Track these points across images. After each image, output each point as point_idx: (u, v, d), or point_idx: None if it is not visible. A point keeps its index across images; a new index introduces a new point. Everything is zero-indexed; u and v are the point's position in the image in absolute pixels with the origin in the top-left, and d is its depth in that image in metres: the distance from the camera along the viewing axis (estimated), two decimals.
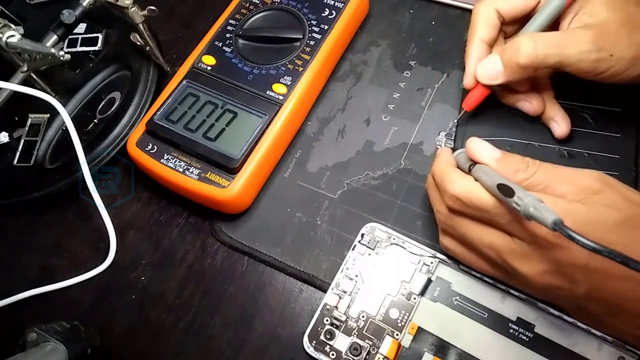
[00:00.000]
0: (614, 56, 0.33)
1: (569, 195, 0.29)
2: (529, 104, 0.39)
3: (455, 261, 0.36)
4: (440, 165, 0.33)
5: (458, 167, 0.33)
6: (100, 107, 0.47)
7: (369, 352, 0.35)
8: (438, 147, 0.41)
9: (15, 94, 0.43)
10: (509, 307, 0.35)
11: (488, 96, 0.39)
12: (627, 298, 0.28)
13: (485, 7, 0.38)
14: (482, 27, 0.38)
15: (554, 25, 0.36)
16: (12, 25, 0.42)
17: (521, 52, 0.34)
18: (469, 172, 0.32)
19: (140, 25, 0.45)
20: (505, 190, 0.27)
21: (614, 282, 0.27)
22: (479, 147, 0.32)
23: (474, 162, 0.32)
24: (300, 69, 0.43)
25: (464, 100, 0.40)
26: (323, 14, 0.45)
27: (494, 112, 0.40)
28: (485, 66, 0.37)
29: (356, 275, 0.37)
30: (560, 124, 0.39)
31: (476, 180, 0.31)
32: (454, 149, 0.35)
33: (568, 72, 0.34)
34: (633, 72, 0.34)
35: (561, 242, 0.27)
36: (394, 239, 0.38)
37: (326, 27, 0.44)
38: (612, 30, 0.33)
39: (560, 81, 0.39)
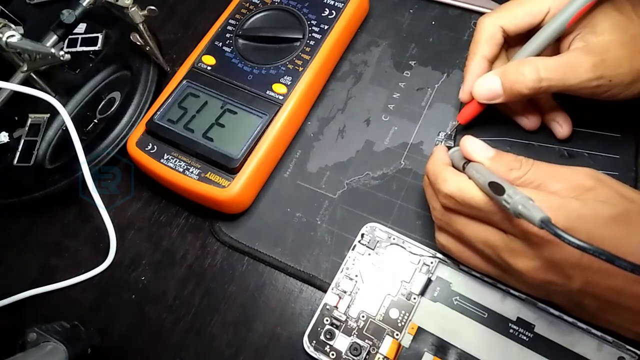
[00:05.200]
0: (612, 82, 0.33)
1: (562, 192, 0.29)
2: (526, 120, 0.40)
3: (455, 261, 0.36)
4: (434, 163, 0.33)
5: (453, 165, 0.34)
6: (100, 107, 0.47)
7: (369, 352, 0.35)
8: None
9: (15, 94, 0.43)
10: (509, 307, 0.35)
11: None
12: (621, 293, 0.28)
13: (490, 24, 0.37)
14: (485, 44, 0.37)
15: (556, 40, 0.36)
16: (12, 25, 0.42)
17: (524, 82, 0.34)
18: (463, 170, 0.32)
19: (140, 25, 0.45)
20: (496, 188, 0.28)
21: (608, 277, 0.27)
22: (473, 145, 0.32)
23: (468, 160, 0.32)
24: (300, 69, 0.43)
25: (459, 114, 0.40)
26: (323, 14, 0.45)
27: (494, 111, 0.40)
28: (484, 85, 0.36)
29: (356, 275, 0.37)
30: (562, 125, 0.39)
31: (469, 178, 0.31)
32: (451, 148, 0.35)
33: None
34: (630, 93, 0.34)
35: (553, 238, 0.27)
36: (394, 239, 0.38)
37: (326, 27, 0.44)
38: (613, 56, 0.33)
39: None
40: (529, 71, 0.34)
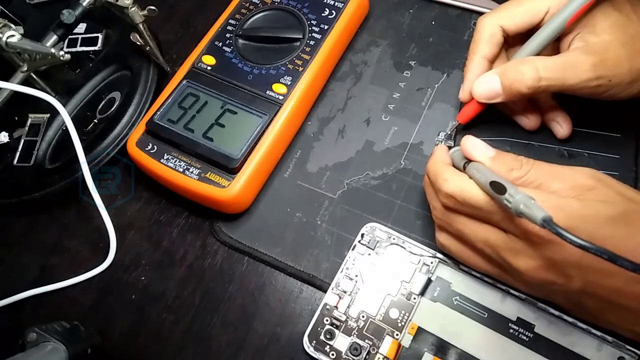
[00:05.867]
0: (612, 81, 0.33)
1: (563, 192, 0.29)
2: (526, 119, 0.40)
3: (455, 261, 0.36)
4: (434, 163, 0.33)
5: (453, 165, 0.34)
6: (100, 107, 0.47)
7: (369, 352, 0.35)
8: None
9: (15, 94, 0.43)
10: (509, 307, 0.35)
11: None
12: (621, 293, 0.28)
13: (489, 24, 0.37)
14: (485, 44, 0.37)
15: (555, 39, 0.36)
16: (12, 25, 0.42)
17: (523, 81, 0.34)
18: (463, 170, 0.32)
19: (140, 25, 0.45)
20: (497, 188, 0.28)
21: (608, 277, 0.27)
22: (473, 145, 0.32)
23: (469, 160, 0.32)
24: (300, 69, 0.43)
25: (459, 114, 0.40)
26: (323, 14, 0.45)
27: (494, 111, 0.40)
28: (483, 85, 0.36)
29: (356, 275, 0.37)
30: (562, 125, 0.39)
31: (470, 178, 0.31)
32: (451, 148, 0.35)
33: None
34: (629, 93, 0.34)
35: (554, 238, 0.27)
36: (394, 239, 0.38)
37: (326, 27, 0.44)
38: (613, 56, 0.33)
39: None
40: (529, 70, 0.34)
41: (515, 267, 0.29)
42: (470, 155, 0.32)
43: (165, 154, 0.41)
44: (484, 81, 0.36)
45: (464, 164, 0.32)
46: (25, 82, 0.44)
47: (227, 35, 0.45)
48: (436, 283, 0.36)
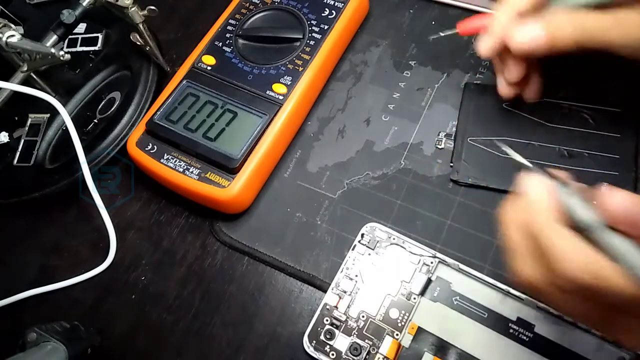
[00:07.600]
0: None
1: None
2: (514, 72, 0.36)
3: (455, 261, 0.36)
4: (539, 214, 0.23)
5: (566, 212, 0.23)
6: (100, 107, 0.47)
7: (368, 352, 0.35)
8: (438, 147, 0.41)
9: (15, 94, 0.43)
10: (509, 307, 0.35)
11: (488, 96, 0.39)
12: None
13: None
14: None
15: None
16: (12, 25, 0.42)
17: (570, 34, 0.31)
18: (590, 233, 0.22)
19: (140, 25, 0.45)
20: None
21: None
22: (630, 208, 0.22)
23: (611, 227, 0.22)
24: (300, 69, 0.43)
25: (461, 23, 0.37)
26: (323, 14, 0.45)
27: (494, 111, 0.40)
28: (526, 32, 0.32)
29: (356, 275, 0.37)
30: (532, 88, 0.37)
31: (608, 255, 0.21)
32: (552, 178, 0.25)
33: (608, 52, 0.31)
34: None
35: None
36: (394, 239, 0.38)
37: (326, 27, 0.44)
38: None
39: (560, 81, 0.39)
40: (575, 23, 0.31)
41: (619, 340, 0.26)
42: (626, 223, 0.21)
43: (165, 154, 0.41)
44: (527, 29, 0.33)
45: (594, 226, 0.22)
46: (25, 82, 0.44)
47: (227, 35, 0.45)
48: (436, 283, 0.36)
